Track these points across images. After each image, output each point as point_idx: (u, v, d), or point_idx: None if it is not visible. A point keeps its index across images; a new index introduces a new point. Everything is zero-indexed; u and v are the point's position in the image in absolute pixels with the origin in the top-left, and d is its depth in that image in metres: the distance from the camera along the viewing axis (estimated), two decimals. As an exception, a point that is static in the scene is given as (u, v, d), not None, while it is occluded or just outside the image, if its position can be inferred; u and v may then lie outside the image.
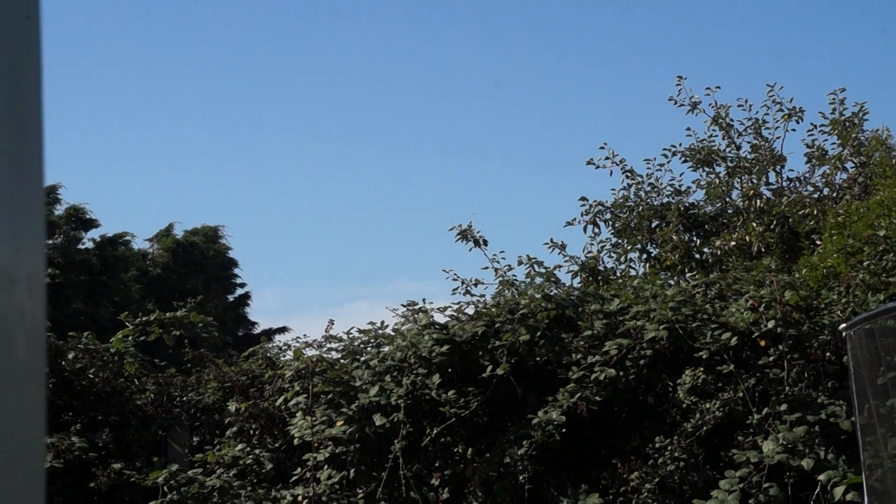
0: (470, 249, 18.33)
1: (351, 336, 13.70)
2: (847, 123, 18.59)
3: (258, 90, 51.78)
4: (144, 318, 14.93)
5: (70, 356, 14.44)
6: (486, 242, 18.23)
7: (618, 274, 18.70)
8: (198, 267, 37.50)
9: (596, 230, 19.11)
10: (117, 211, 51.15)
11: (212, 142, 52.77)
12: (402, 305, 13.78)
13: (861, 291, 12.74)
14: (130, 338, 14.79)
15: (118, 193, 51.08)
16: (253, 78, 51.33)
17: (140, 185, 53.35)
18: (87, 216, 35.06)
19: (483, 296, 17.46)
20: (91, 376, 14.45)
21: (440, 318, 13.33)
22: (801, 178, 19.01)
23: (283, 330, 38.67)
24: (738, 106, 19.18)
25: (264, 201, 53.12)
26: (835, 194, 18.34)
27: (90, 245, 35.13)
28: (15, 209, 1.61)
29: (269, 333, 36.53)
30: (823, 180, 18.79)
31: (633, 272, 18.62)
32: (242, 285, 39.53)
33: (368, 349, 13.48)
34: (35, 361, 1.62)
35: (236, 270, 39.24)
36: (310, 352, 13.67)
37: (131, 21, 50.86)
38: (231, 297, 39.01)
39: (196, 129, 52.44)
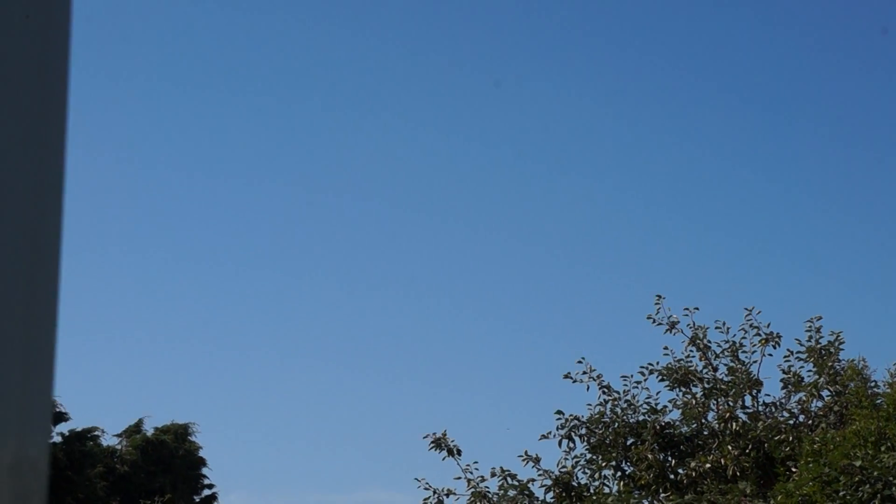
0: (443, 458, 18.22)
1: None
2: (823, 352, 18.74)
3: (228, 291, 51.97)
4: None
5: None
6: (459, 452, 18.12)
7: (591, 490, 18.53)
8: (166, 466, 37.02)
9: (571, 445, 19.02)
10: (87, 403, 50.74)
11: (185, 336, 52.69)
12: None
13: (836, 521, 12.65)
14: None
15: (89, 385, 50.77)
16: (222, 277, 51.57)
17: (111, 376, 53.06)
18: (57, 409, 34.75)
19: (455, 506, 17.24)
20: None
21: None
22: (777, 403, 19.06)
23: (248, 534, 37.91)
24: (716, 328, 19.37)
25: (238, 401, 52.80)
26: (810, 421, 18.36)
27: (58, 439, 34.73)
28: (27, 394, 1.63)
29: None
30: (799, 407, 18.84)
31: (606, 489, 18.46)
32: (210, 486, 38.97)
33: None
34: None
35: (204, 470, 38.75)
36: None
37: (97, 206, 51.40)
38: (198, 498, 38.40)
39: (169, 323, 52.45)
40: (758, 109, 40.44)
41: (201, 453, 38.57)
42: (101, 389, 51.17)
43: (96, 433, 36.06)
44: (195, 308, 52.37)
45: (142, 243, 51.09)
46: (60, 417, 34.79)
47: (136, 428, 37.89)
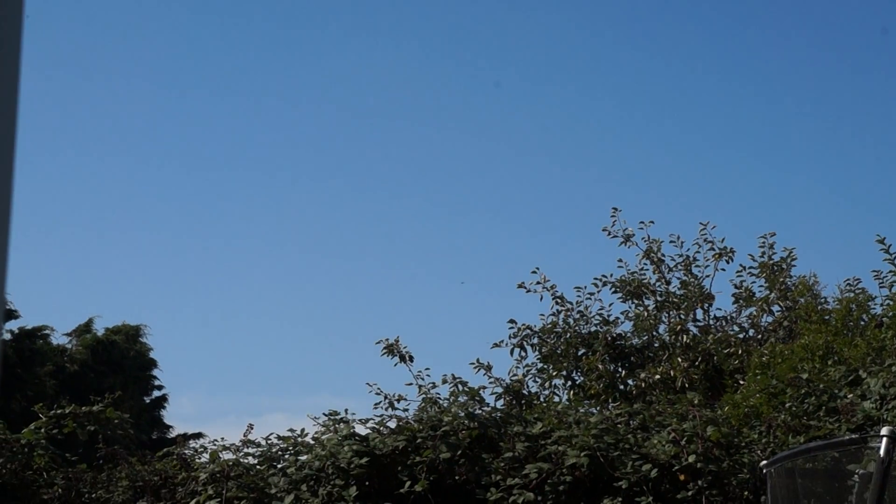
0: (395, 365, 18.23)
1: (269, 442, 13.51)
2: (775, 267, 18.86)
3: (188, 188, 51.65)
4: (59, 411, 14.63)
5: (-22, 444, 14.09)
6: (411, 359, 18.15)
7: (542, 399, 18.67)
8: (116, 366, 37.00)
9: (522, 354, 19.12)
10: (38, 301, 50.44)
11: (139, 237, 52.38)
12: (324, 414, 13.64)
13: (782, 432, 12.81)
14: (43, 430, 14.47)
15: (40, 283, 50.45)
16: (183, 176, 51.24)
17: (62, 275, 52.74)
18: (7, 307, 34.57)
19: (406, 410, 17.33)
20: (-2, 466, 14.09)
21: (361, 430, 13.20)
22: (728, 317, 19.22)
23: (198, 436, 38.02)
24: (671, 242, 19.43)
25: (190, 304, 52.66)
26: (760, 336, 18.53)
27: (7, 336, 34.58)
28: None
29: (185, 438, 35.98)
30: (750, 321, 18.99)
31: (556, 398, 18.61)
32: (160, 388, 39.05)
33: (286, 456, 13.29)
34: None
35: (155, 371, 38.78)
36: (226, 455, 13.45)
37: (53, 103, 50.76)
38: (147, 399, 38.47)
39: (125, 224, 52.10)
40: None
41: (152, 355, 38.61)
42: (51, 288, 50.87)
43: (46, 332, 35.96)
44: (147, 207, 51.99)
45: (94, 138, 50.53)
46: (10, 315, 34.61)
47: (87, 328, 37.79)
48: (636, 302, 19.20)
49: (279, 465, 13.18)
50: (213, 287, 51.82)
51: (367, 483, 12.61)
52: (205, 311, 51.72)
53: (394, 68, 44.25)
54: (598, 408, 16.74)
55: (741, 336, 18.64)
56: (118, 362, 37.10)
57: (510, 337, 19.14)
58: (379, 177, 45.73)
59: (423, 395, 17.52)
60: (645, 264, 19.36)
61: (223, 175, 49.17)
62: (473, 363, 18.77)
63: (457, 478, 12.44)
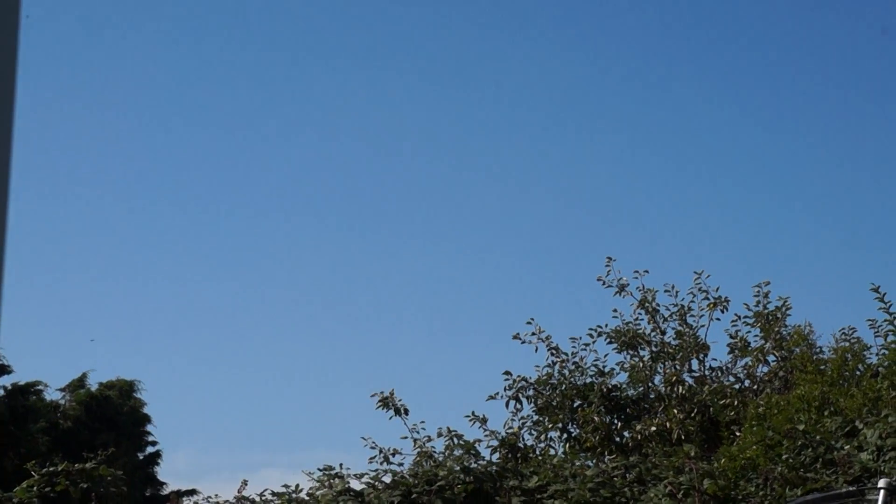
0: (390, 418, 18.16)
1: (263, 498, 13.42)
2: (770, 317, 18.83)
3: (182, 244, 51.66)
4: (51, 469, 14.53)
5: (-30, 503, 13.98)
6: (406, 412, 18.08)
7: (538, 452, 18.57)
8: (110, 423, 36.81)
9: (518, 406, 19.03)
10: (31, 356, 50.26)
11: (134, 290, 52.30)
12: (318, 469, 13.54)
13: (779, 485, 12.74)
14: (35, 488, 14.36)
15: (34, 337, 50.29)
16: (177, 232, 51.25)
17: (56, 329, 52.58)
18: (0, 362, 34.45)
19: (402, 464, 17.23)
20: (-10, 525, 13.98)
21: (356, 485, 13.11)
22: (724, 367, 19.15)
23: (192, 492, 37.79)
24: (665, 291, 19.39)
25: (184, 359, 52.50)
26: (756, 386, 18.46)
27: (0, 393, 34.42)
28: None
29: (178, 494, 35.73)
30: (745, 371, 18.93)
31: (552, 451, 18.50)
32: (154, 443, 38.80)
33: (280, 513, 13.19)
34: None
35: (149, 427, 38.56)
36: (220, 512, 13.34)
37: (47, 159, 50.82)
38: (141, 456, 38.22)
39: (119, 278, 52.04)
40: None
41: (146, 410, 38.40)
42: (45, 342, 50.72)
43: (39, 387, 35.77)
44: (143, 261, 51.96)
45: (88, 190, 50.57)
46: (3, 370, 34.47)
47: (80, 383, 37.61)
48: (631, 352, 19.15)
49: (274, 522, 13.08)
50: (208, 342, 51.69)
51: (362, 539, 12.52)
52: (199, 365, 51.55)
53: (380, 108, 44.38)
54: (594, 461, 16.66)
55: (737, 387, 18.57)
56: (112, 418, 36.91)
57: (505, 389, 19.07)
58: (368, 227, 45.75)
59: (419, 449, 17.43)
60: (640, 314, 19.33)
61: (214, 230, 49.18)
62: (469, 416, 18.69)
63: (453, 533, 12.35)
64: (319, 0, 44.96)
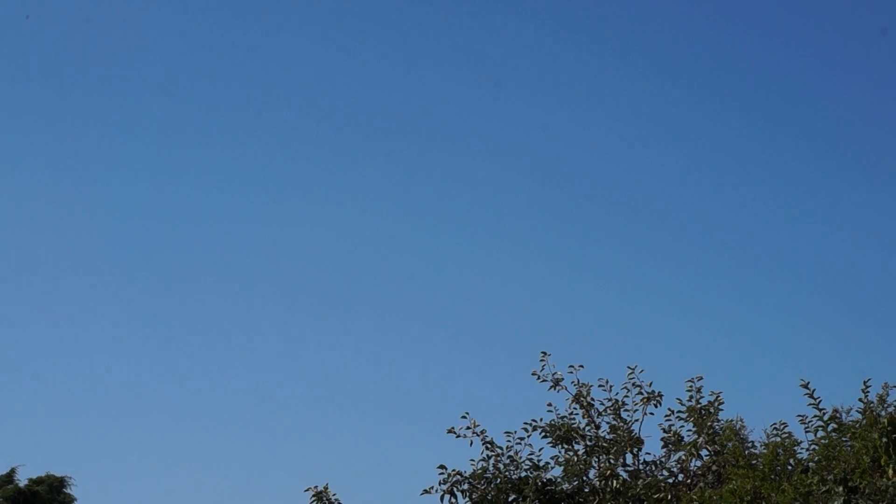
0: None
1: None
2: (703, 411, 19.00)
3: (110, 346, 51.21)
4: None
5: None
6: (341, 507, 17.99)
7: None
8: (39, 518, 36.11)
9: (453, 500, 18.97)
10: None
11: (65, 384, 51.71)
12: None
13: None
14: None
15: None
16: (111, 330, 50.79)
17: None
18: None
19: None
20: None
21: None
22: (658, 462, 19.25)
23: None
24: (600, 386, 19.52)
25: (114, 454, 51.85)
26: (689, 480, 18.57)
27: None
28: None
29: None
30: (679, 466, 19.04)
31: (487, 545, 18.44)
32: (85, 539, 38.07)
33: None
34: None
35: (79, 524, 37.82)
36: None
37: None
38: (71, 553, 37.46)
39: (51, 372, 51.47)
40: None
41: (76, 506, 37.68)
42: (-26, 435, 49.84)
43: (-34, 482, 35.04)
44: (73, 358, 51.44)
45: (18, 279, 50.12)
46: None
47: (9, 478, 36.93)
48: (566, 446, 19.21)
49: None
50: (139, 437, 51.07)
51: None
52: (130, 461, 50.86)
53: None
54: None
55: (671, 481, 18.67)
56: (41, 514, 36.21)
57: (440, 483, 19.05)
58: (304, 308, 45.61)
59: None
60: (574, 408, 19.44)
61: (136, 333, 48.74)
62: (403, 511, 18.63)
63: None
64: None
